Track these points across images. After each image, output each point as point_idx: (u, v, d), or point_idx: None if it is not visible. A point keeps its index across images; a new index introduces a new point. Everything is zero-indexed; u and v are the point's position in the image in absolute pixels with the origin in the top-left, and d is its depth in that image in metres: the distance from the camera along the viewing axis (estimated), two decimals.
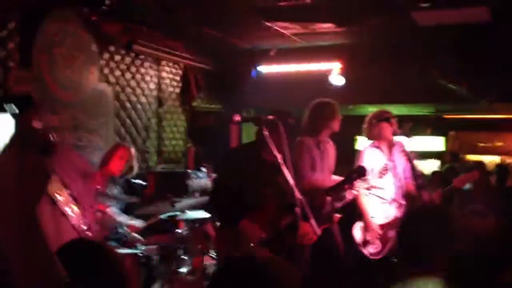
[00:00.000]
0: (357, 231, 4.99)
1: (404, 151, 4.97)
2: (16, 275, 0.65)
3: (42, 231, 0.71)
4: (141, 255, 4.69)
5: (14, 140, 0.70)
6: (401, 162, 4.97)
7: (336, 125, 4.78)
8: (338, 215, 4.37)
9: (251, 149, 3.94)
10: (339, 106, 4.84)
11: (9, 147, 0.69)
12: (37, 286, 0.63)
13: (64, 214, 2.91)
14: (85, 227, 3.26)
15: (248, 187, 3.76)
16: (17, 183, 0.68)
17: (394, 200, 4.93)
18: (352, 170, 4.19)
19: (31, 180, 0.68)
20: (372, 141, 5.09)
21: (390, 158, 4.97)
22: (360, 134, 5.25)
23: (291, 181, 3.46)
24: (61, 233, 2.91)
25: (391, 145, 5.03)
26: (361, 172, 4.10)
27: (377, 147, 5.02)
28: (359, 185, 4.22)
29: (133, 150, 5.30)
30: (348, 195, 4.22)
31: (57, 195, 2.90)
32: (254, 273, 1.57)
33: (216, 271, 2.04)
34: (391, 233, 4.81)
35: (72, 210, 3.04)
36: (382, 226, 4.89)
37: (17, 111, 0.80)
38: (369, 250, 4.92)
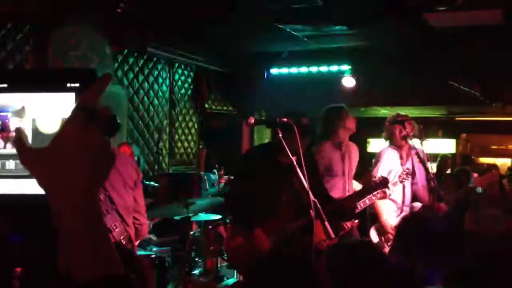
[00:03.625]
0: (373, 234, 5.00)
1: (417, 154, 4.97)
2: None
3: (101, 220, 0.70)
4: (154, 257, 4.71)
5: (75, 114, 0.70)
6: (415, 165, 4.97)
7: (351, 124, 4.77)
8: (355, 221, 4.33)
9: (267, 151, 3.93)
10: (348, 109, 4.86)
11: (70, 121, 0.69)
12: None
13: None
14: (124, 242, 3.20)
15: (264, 191, 3.75)
16: (80, 161, 0.67)
17: (406, 202, 4.94)
18: (373, 181, 4.19)
19: (95, 160, 0.67)
20: (389, 143, 5.10)
21: (406, 161, 4.98)
22: (372, 137, 5.25)
23: (305, 183, 3.46)
24: None
25: (406, 148, 5.03)
26: (382, 184, 4.06)
27: (395, 149, 5.03)
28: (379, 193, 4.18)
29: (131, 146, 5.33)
30: (369, 201, 4.19)
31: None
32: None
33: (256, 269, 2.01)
34: None
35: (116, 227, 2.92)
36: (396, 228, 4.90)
37: (77, 84, 0.79)
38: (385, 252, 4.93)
